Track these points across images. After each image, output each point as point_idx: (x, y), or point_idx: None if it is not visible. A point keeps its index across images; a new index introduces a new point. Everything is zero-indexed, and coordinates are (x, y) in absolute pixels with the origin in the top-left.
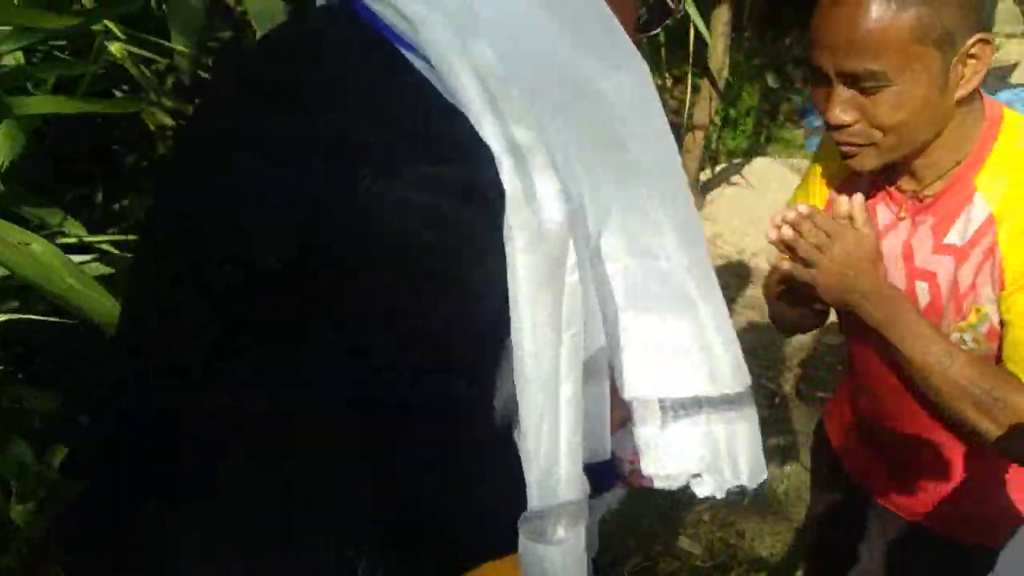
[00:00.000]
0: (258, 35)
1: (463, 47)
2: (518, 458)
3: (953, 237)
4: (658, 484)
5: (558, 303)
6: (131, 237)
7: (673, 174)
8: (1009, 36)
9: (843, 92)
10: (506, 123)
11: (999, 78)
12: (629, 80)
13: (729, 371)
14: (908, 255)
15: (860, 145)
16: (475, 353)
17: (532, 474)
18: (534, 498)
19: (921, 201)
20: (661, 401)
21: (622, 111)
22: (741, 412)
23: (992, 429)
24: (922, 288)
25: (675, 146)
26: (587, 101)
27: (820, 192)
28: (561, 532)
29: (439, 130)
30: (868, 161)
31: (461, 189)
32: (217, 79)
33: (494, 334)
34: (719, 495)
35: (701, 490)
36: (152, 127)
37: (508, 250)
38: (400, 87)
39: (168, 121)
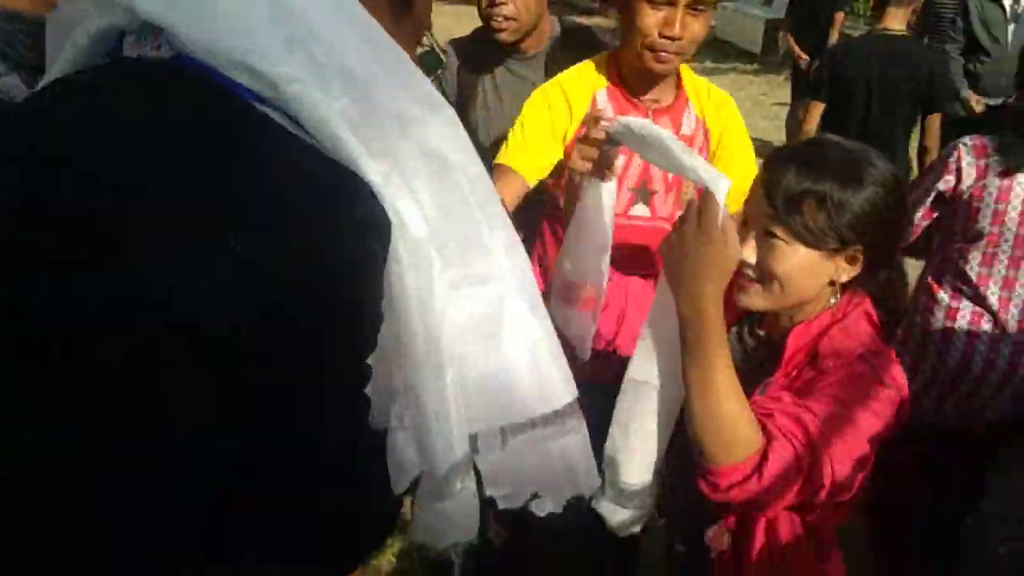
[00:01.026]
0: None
1: (329, 102)
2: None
3: (685, 129)
4: (501, 505)
5: (433, 304)
6: None
7: (497, 199)
8: None
9: (682, 15)
10: (374, 161)
11: None
12: (444, 118)
13: (560, 387)
14: None
15: (676, 54)
16: (369, 360)
17: (437, 443)
18: (440, 463)
19: (660, 108)
20: (502, 429)
21: (448, 145)
22: (570, 424)
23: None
24: None
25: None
26: (415, 141)
27: (573, 111)
28: (458, 485)
29: (330, 178)
30: (673, 67)
31: (364, 224)
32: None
33: (377, 341)
34: (558, 510)
35: (541, 509)
36: None
37: (395, 269)
38: (282, 145)
39: None
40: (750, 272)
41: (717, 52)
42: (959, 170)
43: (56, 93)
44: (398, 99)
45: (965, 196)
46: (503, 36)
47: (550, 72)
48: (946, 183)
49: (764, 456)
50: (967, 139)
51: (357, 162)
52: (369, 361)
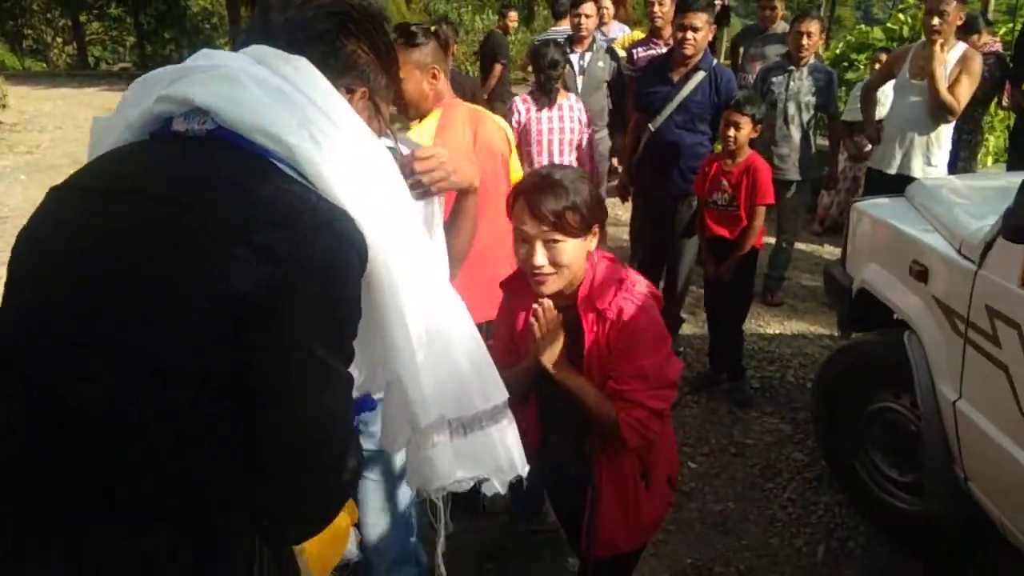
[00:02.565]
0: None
1: (323, 161)
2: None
3: None
4: (459, 489)
5: (406, 315)
6: None
7: (439, 247)
8: None
9: None
10: (352, 203)
11: None
12: (398, 182)
13: (496, 388)
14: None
15: None
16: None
17: (417, 408)
18: (420, 421)
19: None
20: (450, 422)
21: (401, 196)
22: (506, 418)
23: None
24: None
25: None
26: (382, 195)
27: None
28: (435, 438)
29: (323, 205)
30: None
31: (345, 236)
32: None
33: (357, 330)
34: (503, 491)
35: (489, 488)
36: None
37: (370, 268)
38: (293, 182)
39: None
40: (545, 269)
41: None
42: (519, 112)
43: (135, 148)
44: (366, 167)
45: (524, 124)
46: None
47: None
48: (516, 122)
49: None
50: (517, 97)
51: (342, 201)
52: (354, 345)
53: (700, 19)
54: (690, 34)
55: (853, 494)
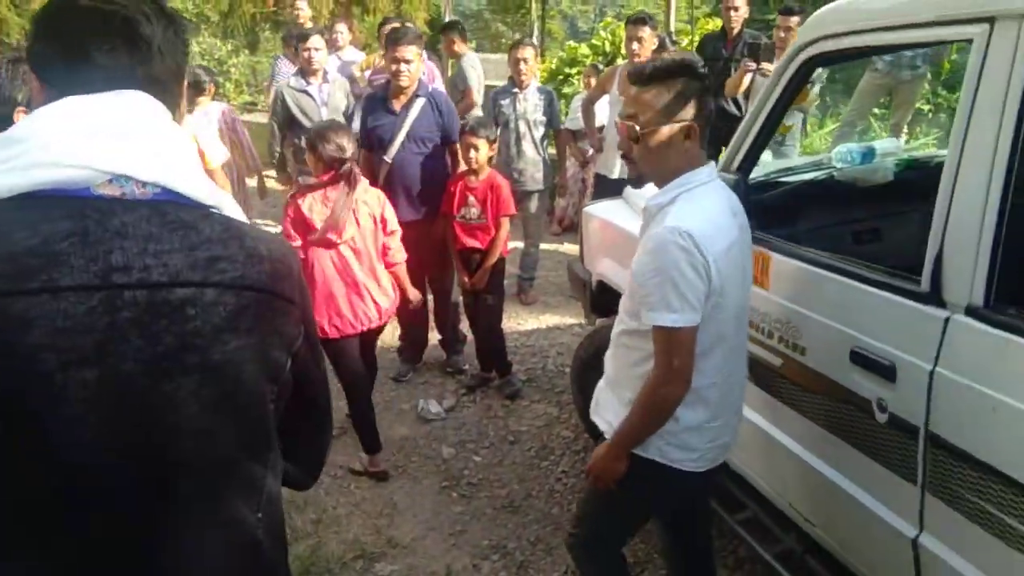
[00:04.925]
0: None
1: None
2: None
3: None
4: None
5: None
6: None
7: None
8: None
9: None
10: None
11: None
12: None
13: None
14: None
15: None
16: None
17: None
18: None
19: None
20: None
21: None
22: None
23: None
24: None
25: None
26: None
27: None
28: None
29: (269, 235)
30: None
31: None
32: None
33: None
34: None
35: None
36: None
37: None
38: (229, 224)
39: None
40: None
41: None
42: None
43: (76, 222)
44: None
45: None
46: None
47: None
48: None
49: None
50: None
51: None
52: None
53: (411, 52)
54: (403, 66)
55: None
